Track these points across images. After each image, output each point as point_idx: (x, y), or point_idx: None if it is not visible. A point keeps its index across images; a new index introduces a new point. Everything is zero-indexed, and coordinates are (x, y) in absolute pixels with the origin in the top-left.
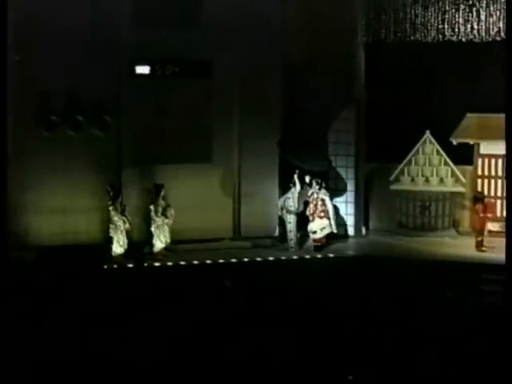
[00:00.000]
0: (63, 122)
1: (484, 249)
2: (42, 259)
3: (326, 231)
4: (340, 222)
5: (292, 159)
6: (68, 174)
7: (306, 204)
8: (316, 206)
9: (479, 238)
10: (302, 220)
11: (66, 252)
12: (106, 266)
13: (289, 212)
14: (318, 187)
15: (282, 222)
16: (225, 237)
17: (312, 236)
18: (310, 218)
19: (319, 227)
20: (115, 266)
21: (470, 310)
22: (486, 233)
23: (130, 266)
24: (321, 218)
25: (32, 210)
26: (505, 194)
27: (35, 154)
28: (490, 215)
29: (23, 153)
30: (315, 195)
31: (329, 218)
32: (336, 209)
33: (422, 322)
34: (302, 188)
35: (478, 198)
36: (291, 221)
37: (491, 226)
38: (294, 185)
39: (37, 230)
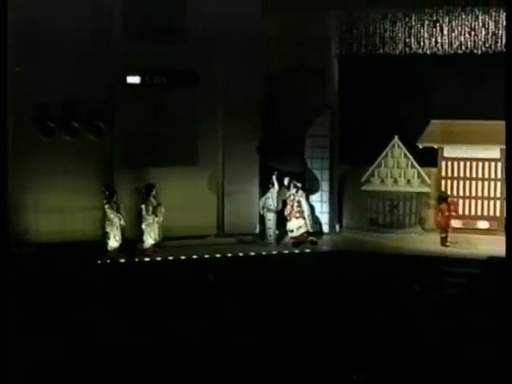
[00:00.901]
0: (60, 128)
1: (448, 244)
2: (41, 255)
3: (302, 230)
4: (316, 221)
5: (271, 161)
6: (65, 176)
7: (285, 203)
8: (292, 207)
9: (444, 235)
10: (281, 218)
11: (63, 248)
12: (99, 261)
13: (268, 211)
14: (295, 190)
15: (262, 220)
16: (210, 234)
17: (290, 234)
18: (288, 217)
19: (295, 226)
20: (108, 261)
21: (435, 300)
22: (450, 229)
23: (122, 260)
24: (297, 218)
25: (31, 210)
26: (482, 194)
27: (34, 158)
28: (453, 213)
29: (23, 157)
30: (292, 197)
31: (304, 218)
32: (312, 208)
33: (390, 310)
34: (280, 188)
35: (443, 197)
36: (271, 218)
37: (454, 224)
38: (273, 185)
39: (36, 228)
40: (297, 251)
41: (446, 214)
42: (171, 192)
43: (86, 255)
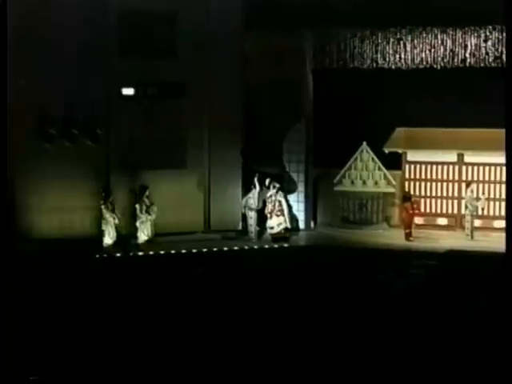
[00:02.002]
0: (61, 135)
1: (411, 239)
2: (43, 250)
3: (282, 226)
4: (293, 218)
5: (253, 165)
6: (65, 178)
7: (265, 203)
8: (274, 206)
9: (408, 230)
10: (261, 216)
11: (63, 244)
12: (97, 255)
13: (250, 209)
14: (275, 190)
15: (244, 218)
16: (197, 230)
17: (270, 231)
18: (269, 215)
19: (276, 223)
20: (105, 255)
21: (399, 289)
22: (413, 226)
23: (118, 255)
24: (277, 216)
25: (34, 209)
26: (441, 194)
27: (38, 162)
28: (416, 211)
29: (28, 161)
30: (273, 197)
31: (284, 216)
32: (290, 207)
33: (358, 299)
34: (261, 189)
35: (407, 197)
36: (252, 216)
37: (417, 220)
38: (255, 186)
39: (38, 226)
40: (276, 246)
41: (410, 212)
42: (162, 192)
43: (83, 250)
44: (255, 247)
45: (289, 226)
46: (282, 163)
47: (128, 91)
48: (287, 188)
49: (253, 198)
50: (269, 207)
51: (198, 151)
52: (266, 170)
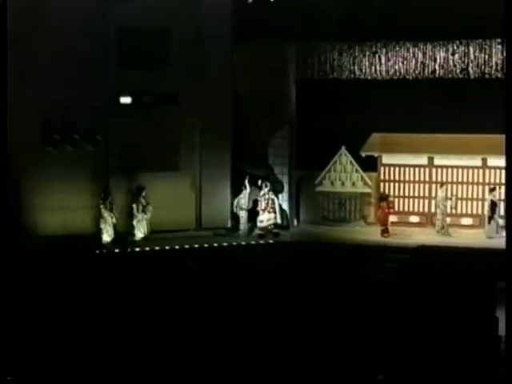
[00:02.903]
0: (63, 140)
1: (387, 235)
2: (47, 246)
3: (271, 222)
4: (282, 216)
5: (242, 167)
6: (67, 180)
7: (255, 202)
8: (267, 203)
9: (384, 227)
10: (251, 215)
11: (66, 241)
12: (97, 251)
13: (241, 209)
14: (267, 189)
15: (233, 216)
16: (189, 228)
17: (259, 224)
18: (261, 212)
19: (266, 218)
20: (104, 251)
21: (376, 281)
22: (389, 223)
23: (117, 250)
24: (269, 212)
25: (39, 209)
26: (413, 194)
27: (42, 165)
28: (391, 210)
29: (33, 164)
30: (266, 196)
31: (275, 212)
32: (280, 205)
33: (337, 289)
34: (251, 190)
35: (383, 197)
36: (243, 216)
37: (391, 218)
38: (245, 187)
39: (43, 224)
40: (262, 242)
41: (386, 210)
42: (157, 193)
43: (84, 247)
44: (243, 243)
45: (279, 221)
46: (268, 166)
47: (125, 99)
48: (273, 189)
49: (244, 199)
50: (262, 204)
51: (190, 154)
52: (253, 172)
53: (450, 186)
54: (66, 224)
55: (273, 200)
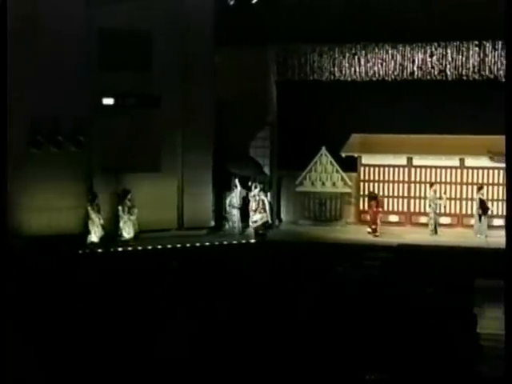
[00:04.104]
0: (47, 142)
1: (377, 234)
2: (32, 246)
3: (264, 220)
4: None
5: (230, 167)
6: (51, 181)
7: (244, 201)
8: (258, 204)
9: (373, 227)
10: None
11: (50, 241)
12: (80, 251)
13: (233, 207)
14: (257, 190)
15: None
16: (171, 228)
17: (253, 225)
18: (253, 212)
19: (259, 218)
20: (87, 251)
21: (354, 277)
22: (378, 222)
23: (100, 250)
24: (261, 212)
25: (24, 209)
26: (393, 193)
27: (27, 166)
28: (380, 209)
29: (18, 165)
30: (257, 197)
31: (266, 212)
32: (270, 205)
33: (317, 285)
34: (241, 189)
35: (372, 196)
36: (235, 214)
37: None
38: (236, 186)
39: (28, 224)
40: (243, 241)
41: (375, 209)
42: (139, 193)
43: (69, 247)
44: (224, 243)
45: (270, 221)
46: (256, 166)
47: (108, 101)
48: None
49: (235, 197)
50: (253, 205)
51: (172, 156)
52: (237, 172)
53: (426, 186)
54: (51, 224)
55: (263, 201)
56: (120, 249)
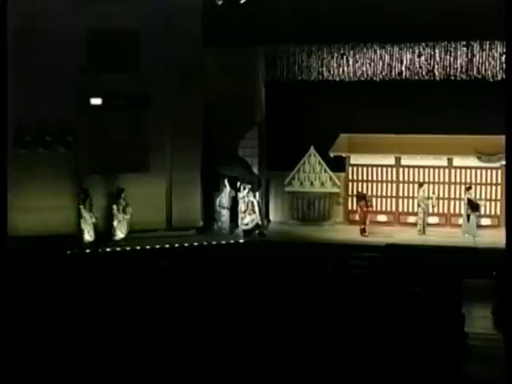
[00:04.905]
0: (35, 142)
1: (366, 234)
2: (19, 247)
3: (255, 222)
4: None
5: (219, 168)
6: (39, 181)
7: (233, 201)
8: (247, 205)
9: (362, 227)
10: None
11: (38, 242)
12: (68, 252)
13: (223, 208)
14: (246, 191)
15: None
16: (160, 228)
17: (244, 227)
18: (243, 214)
19: (250, 220)
20: (75, 251)
21: (342, 277)
22: (367, 222)
23: (87, 251)
24: (250, 214)
25: (13, 209)
26: (381, 193)
27: (15, 167)
28: (370, 209)
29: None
30: (246, 199)
31: (256, 213)
32: (259, 205)
33: (304, 285)
34: (231, 189)
35: (361, 196)
36: (224, 214)
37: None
38: (225, 186)
39: (15, 225)
40: (232, 241)
41: (364, 209)
42: (128, 194)
43: (58, 247)
44: (213, 243)
45: (260, 222)
46: (245, 166)
47: (96, 101)
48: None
49: (225, 197)
50: (242, 207)
51: (161, 156)
52: (225, 173)
53: (415, 186)
54: (38, 224)
55: (252, 202)
56: (108, 249)
